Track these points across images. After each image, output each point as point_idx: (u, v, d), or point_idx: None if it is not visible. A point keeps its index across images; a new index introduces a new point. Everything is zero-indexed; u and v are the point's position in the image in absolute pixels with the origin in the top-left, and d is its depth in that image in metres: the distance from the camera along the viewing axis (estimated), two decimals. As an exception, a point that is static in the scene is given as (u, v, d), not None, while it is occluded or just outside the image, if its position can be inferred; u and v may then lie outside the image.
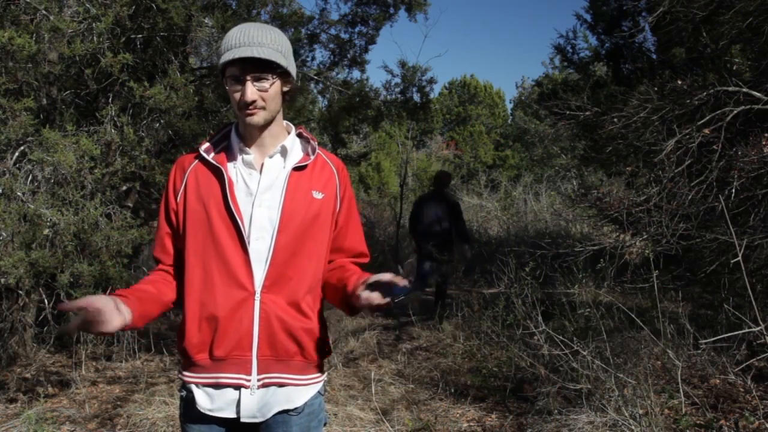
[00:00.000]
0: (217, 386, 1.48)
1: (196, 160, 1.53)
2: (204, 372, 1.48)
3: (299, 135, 1.59)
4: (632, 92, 4.84)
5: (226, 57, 1.41)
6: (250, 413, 1.48)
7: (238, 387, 1.47)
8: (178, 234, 1.52)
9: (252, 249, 1.46)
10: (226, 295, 1.45)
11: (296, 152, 1.55)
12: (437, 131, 22.17)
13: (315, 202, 1.51)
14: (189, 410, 1.52)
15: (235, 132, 1.54)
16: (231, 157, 1.52)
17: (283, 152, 1.52)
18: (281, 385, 1.49)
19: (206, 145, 1.53)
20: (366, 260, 1.61)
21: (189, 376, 1.51)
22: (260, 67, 1.42)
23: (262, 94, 1.43)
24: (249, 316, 1.45)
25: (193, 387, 1.50)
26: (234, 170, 1.50)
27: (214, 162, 1.49)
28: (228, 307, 1.44)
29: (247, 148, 1.51)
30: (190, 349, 1.48)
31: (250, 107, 1.43)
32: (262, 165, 1.51)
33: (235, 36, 1.42)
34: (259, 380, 1.47)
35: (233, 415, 1.48)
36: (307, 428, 1.53)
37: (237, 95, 1.43)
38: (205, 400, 1.49)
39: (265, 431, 1.51)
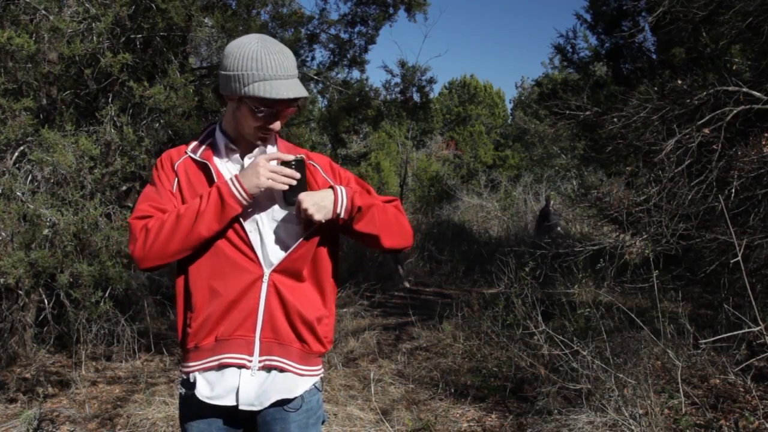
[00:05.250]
0: (220, 367, 1.49)
1: (185, 156, 1.55)
2: (207, 356, 1.50)
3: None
4: (632, 92, 4.84)
5: (273, 93, 1.39)
6: (248, 400, 1.49)
7: (240, 367, 1.49)
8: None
9: (252, 237, 1.49)
10: (236, 280, 1.48)
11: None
12: (437, 131, 22.14)
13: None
14: (188, 408, 1.53)
15: (220, 131, 1.57)
16: (217, 155, 1.55)
17: (262, 153, 1.56)
18: (282, 370, 1.51)
19: (193, 144, 1.56)
20: (396, 199, 1.62)
21: (191, 365, 1.52)
22: (291, 102, 1.47)
23: (282, 121, 1.50)
24: (256, 297, 1.48)
25: (197, 375, 1.51)
26: (222, 165, 1.54)
27: (201, 159, 1.53)
28: (238, 291, 1.47)
29: (233, 146, 1.55)
30: (199, 334, 1.49)
31: (269, 133, 1.49)
32: (242, 164, 1.55)
33: (271, 63, 1.41)
34: (260, 361, 1.49)
35: (232, 403, 1.49)
36: (305, 425, 1.54)
37: (260, 122, 1.46)
38: (205, 388, 1.50)
39: (264, 428, 1.53)
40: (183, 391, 1.55)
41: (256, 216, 1.50)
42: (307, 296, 1.54)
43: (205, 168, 1.51)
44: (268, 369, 1.50)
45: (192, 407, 1.52)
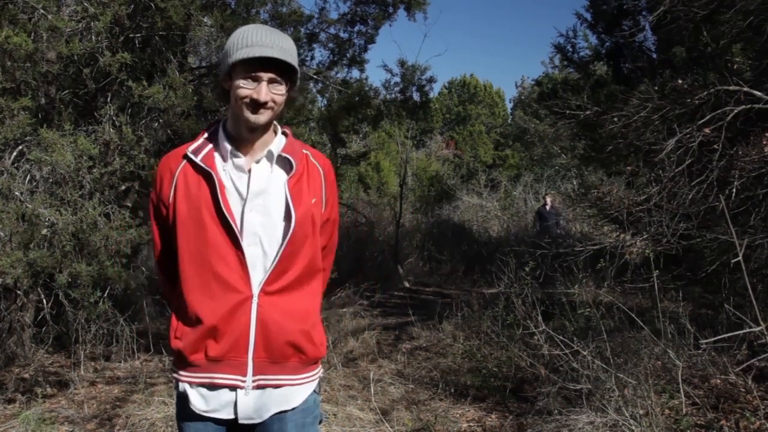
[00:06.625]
0: (212, 387, 1.47)
1: (184, 161, 1.48)
2: (198, 372, 1.47)
3: (284, 133, 1.57)
4: (632, 91, 4.82)
5: (252, 52, 1.37)
6: (247, 414, 1.47)
7: (233, 388, 1.46)
8: (171, 235, 1.50)
9: (247, 253, 1.44)
10: (223, 299, 1.43)
11: (283, 156, 1.52)
12: (437, 131, 22.14)
13: (311, 208, 1.50)
14: (185, 408, 1.51)
15: (223, 133, 1.50)
16: (220, 159, 1.48)
17: (269, 157, 1.50)
18: (277, 386, 1.48)
19: (194, 146, 1.49)
20: (329, 252, 1.67)
21: (183, 375, 1.49)
22: (280, 72, 1.42)
23: (274, 97, 1.43)
24: (246, 319, 1.44)
25: (187, 387, 1.48)
26: (224, 173, 1.47)
27: (203, 165, 1.46)
28: (225, 311, 1.43)
29: (237, 151, 1.48)
30: (185, 349, 1.46)
31: (260, 107, 1.42)
32: (250, 169, 1.48)
33: (257, 35, 1.40)
34: (253, 381, 1.46)
35: (230, 416, 1.47)
36: (302, 425, 1.52)
37: (247, 92, 1.41)
38: (199, 402, 1.48)
39: (261, 430, 1.50)
40: (179, 390, 1.53)
41: (259, 236, 1.45)
42: (300, 307, 1.50)
43: (207, 176, 1.45)
44: (263, 387, 1.47)
45: (189, 408, 1.50)
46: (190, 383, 1.48)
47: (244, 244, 1.43)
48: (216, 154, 1.49)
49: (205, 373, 1.47)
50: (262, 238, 1.45)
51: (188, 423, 1.52)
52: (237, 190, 1.46)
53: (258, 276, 1.45)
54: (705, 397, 3.69)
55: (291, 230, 1.44)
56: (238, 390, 1.46)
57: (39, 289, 4.56)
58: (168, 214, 1.48)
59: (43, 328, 4.93)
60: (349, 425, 3.69)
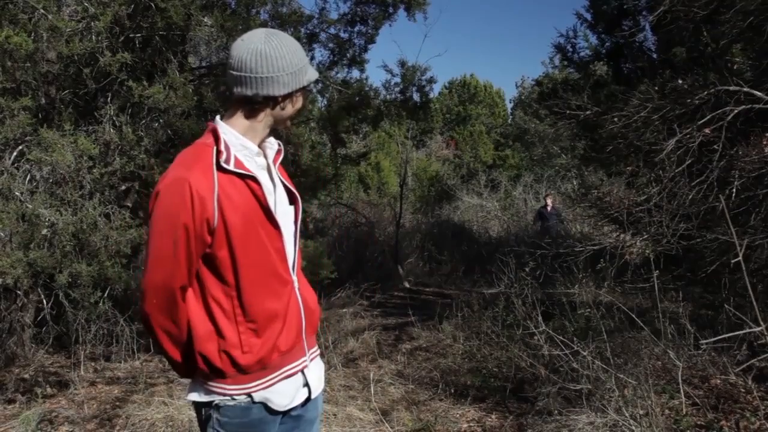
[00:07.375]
0: (287, 377, 1.53)
1: (215, 174, 1.39)
2: (275, 371, 1.50)
3: None
4: (633, 92, 4.82)
5: (314, 75, 1.52)
6: (316, 387, 1.59)
7: (302, 369, 1.56)
8: (210, 258, 1.43)
9: (287, 247, 1.54)
10: (283, 293, 1.52)
11: (272, 147, 1.64)
12: (437, 131, 22.11)
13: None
14: (256, 415, 1.48)
15: (238, 136, 1.47)
16: (246, 162, 1.47)
17: (274, 147, 1.61)
18: (316, 354, 1.64)
19: (224, 156, 1.41)
20: None
21: (259, 384, 1.47)
22: None
23: None
24: (297, 304, 1.55)
25: (265, 393, 1.47)
26: (257, 173, 1.50)
27: (244, 171, 1.43)
28: (287, 303, 1.52)
29: (260, 150, 1.55)
30: (265, 356, 1.47)
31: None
32: (269, 166, 1.57)
33: (301, 50, 1.50)
34: (309, 357, 1.59)
35: (305, 396, 1.57)
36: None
37: (299, 105, 1.53)
38: (282, 399, 1.51)
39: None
40: (236, 402, 1.46)
41: (284, 224, 1.53)
42: (308, 282, 1.64)
43: (245, 179, 1.43)
44: (313, 359, 1.61)
45: (269, 411, 1.49)
46: (268, 386, 1.48)
47: (285, 241, 1.53)
48: (239, 159, 1.45)
49: (280, 369, 1.51)
50: (287, 225, 1.55)
51: (265, 427, 1.50)
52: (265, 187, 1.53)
53: (290, 262, 1.55)
54: (705, 397, 3.69)
55: (300, 212, 1.59)
56: (305, 369, 1.57)
57: (39, 289, 4.56)
58: (215, 236, 1.40)
59: (43, 328, 4.93)
60: (349, 425, 3.69)
